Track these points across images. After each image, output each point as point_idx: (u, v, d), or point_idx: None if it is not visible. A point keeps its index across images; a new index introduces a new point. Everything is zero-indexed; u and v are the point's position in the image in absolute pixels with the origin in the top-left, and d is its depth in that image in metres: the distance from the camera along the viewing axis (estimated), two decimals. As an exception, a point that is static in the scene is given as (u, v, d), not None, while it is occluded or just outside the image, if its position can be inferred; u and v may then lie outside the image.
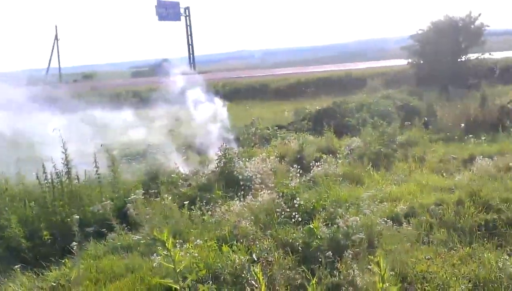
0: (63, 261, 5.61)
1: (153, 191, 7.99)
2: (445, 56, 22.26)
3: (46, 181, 7.24)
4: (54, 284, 4.91)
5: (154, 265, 5.02)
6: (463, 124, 12.51)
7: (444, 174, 8.59)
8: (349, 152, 10.45)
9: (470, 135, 11.25)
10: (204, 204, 7.20)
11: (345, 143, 11.45)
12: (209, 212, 6.96)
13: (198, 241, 5.58)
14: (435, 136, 12.19)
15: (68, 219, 6.41)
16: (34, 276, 5.33)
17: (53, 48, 48.88)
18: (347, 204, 6.85)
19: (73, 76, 39.03)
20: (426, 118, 13.78)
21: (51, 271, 5.42)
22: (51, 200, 7.05)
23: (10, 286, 5.07)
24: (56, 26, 50.80)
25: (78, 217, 5.87)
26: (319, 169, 8.89)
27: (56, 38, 48.94)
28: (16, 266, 5.29)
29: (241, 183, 8.28)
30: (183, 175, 9.14)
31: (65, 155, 7.41)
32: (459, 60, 22.69)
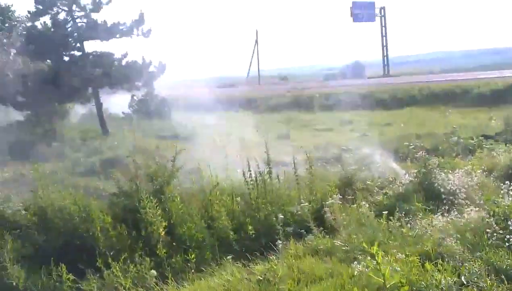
0: (266, 256, 5.96)
1: (349, 196, 8.00)
2: None
3: (250, 179, 7.81)
4: (261, 278, 5.21)
5: (355, 274, 4.99)
6: None
7: None
8: None
9: None
10: (403, 215, 6.94)
11: None
12: (408, 225, 6.67)
13: (399, 254, 5.38)
14: None
15: (272, 217, 6.78)
16: (242, 267, 5.76)
17: (253, 52, 52.62)
18: None
19: (271, 79, 41.45)
20: None
21: (256, 265, 5.79)
22: (255, 197, 7.56)
23: (222, 274, 5.56)
24: (256, 31, 54.34)
25: (282, 216, 6.16)
26: (538, 187, 7.81)
27: (256, 42, 52.56)
28: (229, 256, 5.79)
29: (443, 196, 7.76)
30: (379, 183, 8.95)
31: (267, 155, 7.88)
32: None
